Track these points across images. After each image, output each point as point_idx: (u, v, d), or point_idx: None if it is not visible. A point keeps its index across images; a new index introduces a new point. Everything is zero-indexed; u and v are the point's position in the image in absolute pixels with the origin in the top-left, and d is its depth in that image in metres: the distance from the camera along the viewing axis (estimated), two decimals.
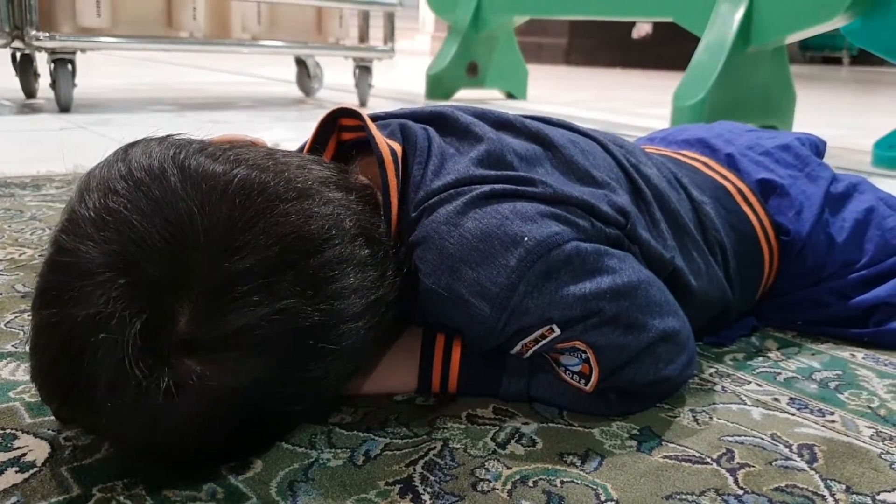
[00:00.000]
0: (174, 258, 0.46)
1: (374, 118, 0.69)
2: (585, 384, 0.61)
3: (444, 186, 0.61)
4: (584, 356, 0.60)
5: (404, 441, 0.58)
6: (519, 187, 0.62)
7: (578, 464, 0.56)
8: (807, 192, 0.84)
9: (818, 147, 0.93)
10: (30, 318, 0.50)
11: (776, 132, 0.95)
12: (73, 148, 1.80)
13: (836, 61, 8.94)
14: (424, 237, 0.59)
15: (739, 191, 0.83)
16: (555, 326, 0.58)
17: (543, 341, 0.60)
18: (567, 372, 0.62)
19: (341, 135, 0.69)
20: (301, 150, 0.69)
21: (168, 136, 0.55)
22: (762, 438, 0.60)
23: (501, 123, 0.71)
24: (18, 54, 2.53)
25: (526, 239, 0.58)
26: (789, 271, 0.84)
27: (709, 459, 0.57)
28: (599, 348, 0.59)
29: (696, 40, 2.36)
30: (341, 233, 0.52)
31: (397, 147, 0.64)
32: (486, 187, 0.61)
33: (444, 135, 0.67)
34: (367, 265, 0.53)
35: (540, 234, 0.58)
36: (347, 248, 0.52)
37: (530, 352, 0.61)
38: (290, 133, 2.21)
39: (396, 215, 0.61)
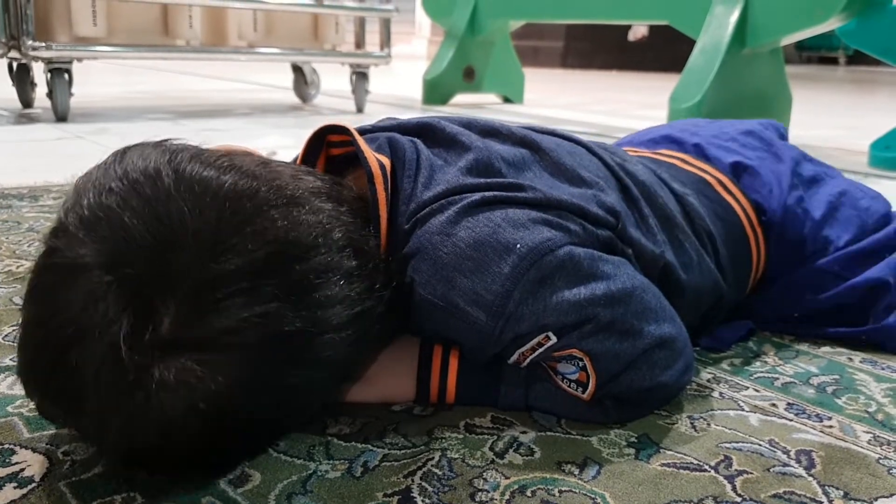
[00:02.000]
0: (161, 257, 0.47)
1: (362, 131, 0.69)
2: (583, 392, 0.61)
3: (435, 197, 0.61)
4: (581, 364, 0.61)
5: (402, 452, 0.58)
6: (509, 193, 0.62)
7: (577, 472, 0.56)
8: (775, 170, 0.87)
9: (780, 131, 0.96)
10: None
11: (738, 121, 0.99)
12: (70, 157, 1.80)
13: (833, 61, 8.96)
14: (418, 248, 0.60)
15: (719, 181, 0.85)
16: (551, 334, 0.59)
17: (540, 349, 0.60)
18: (564, 380, 0.62)
19: (330, 150, 0.69)
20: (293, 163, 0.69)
21: (164, 140, 0.55)
22: (760, 444, 0.60)
23: (488, 131, 0.71)
24: (15, 64, 2.54)
25: (518, 246, 0.58)
26: (776, 253, 0.85)
27: (707, 467, 0.57)
28: (596, 356, 0.60)
29: (692, 42, 2.37)
30: (329, 242, 0.52)
31: (386, 161, 0.64)
32: (477, 195, 0.61)
33: (432, 146, 0.68)
34: (353, 276, 0.53)
35: (532, 240, 0.58)
36: (334, 257, 0.52)
37: (527, 360, 0.61)
38: (286, 140, 2.21)
39: (386, 229, 0.62)
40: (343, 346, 0.52)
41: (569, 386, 0.62)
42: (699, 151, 0.89)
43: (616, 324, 0.59)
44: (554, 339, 0.59)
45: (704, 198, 0.81)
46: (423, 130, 0.69)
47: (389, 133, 0.68)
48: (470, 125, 0.71)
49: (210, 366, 0.46)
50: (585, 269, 0.59)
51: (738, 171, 0.87)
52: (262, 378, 0.49)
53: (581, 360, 0.60)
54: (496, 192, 0.62)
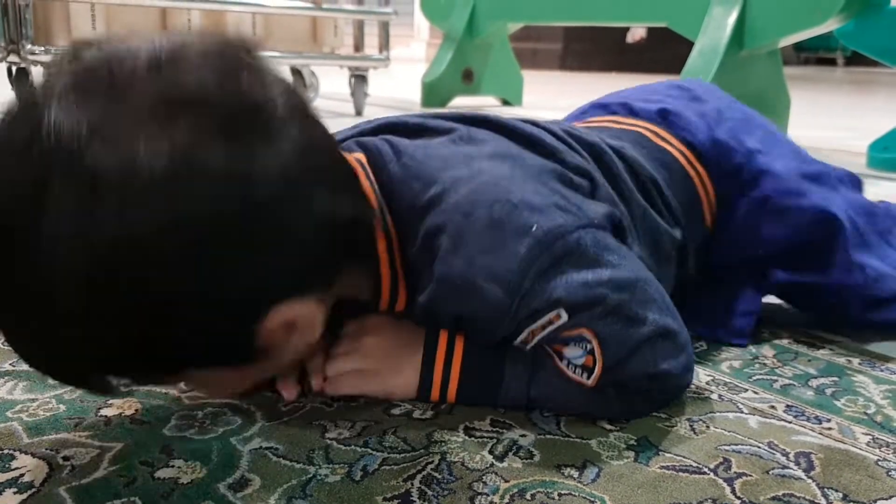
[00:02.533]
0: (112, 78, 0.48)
1: None
2: (588, 378, 0.62)
3: (440, 169, 0.63)
4: (588, 347, 0.61)
5: (402, 455, 0.58)
6: (506, 158, 0.66)
7: (576, 475, 0.56)
8: (698, 110, 0.90)
9: (707, 87, 1.00)
10: None
11: (664, 81, 1.02)
12: None
13: (831, 62, 8.97)
14: (437, 227, 0.61)
15: (653, 132, 0.87)
16: (562, 311, 0.60)
17: (550, 327, 0.61)
18: (570, 366, 0.63)
19: None
20: None
21: None
22: (759, 447, 0.61)
23: (448, 119, 0.73)
24: (14, 68, 2.54)
25: (535, 228, 0.60)
26: (719, 187, 0.86)
27: (706, 469, 0.57)
28: (604, 338, 0.61)
29: (690, 44, 2.37)
30: (281, 113, 0.52)
31: (360, 156, 0.66)
32: (486, 176, 0.63)
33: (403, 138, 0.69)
34: (299, 153, 0.52)
35: (547, 224, 0.60)
36: (283, 124, 0.52)
37: (536, 339, 0.62)
38: None
39: (380, 217, 0.63)
40: (274, 217, 0.51)
41: (574, 371, 0.63)
42: (626, 108, 0.92)
43: (622, 308, 0.61)
44: (565, 318, 0.60)
45: (641, 147, 0.84)
46: (389, 128, 0.71)
47: (355, 138, 0.70)
48: (425, 116, 0.73)
49: (122, 202, 0.45)
50: (591, 256, 0.61)
51: (664, 116, 0.90)
52: (185, 233, 0.47)
53: (589, 342, 0.61)
54: (498, 163, 0.65)
